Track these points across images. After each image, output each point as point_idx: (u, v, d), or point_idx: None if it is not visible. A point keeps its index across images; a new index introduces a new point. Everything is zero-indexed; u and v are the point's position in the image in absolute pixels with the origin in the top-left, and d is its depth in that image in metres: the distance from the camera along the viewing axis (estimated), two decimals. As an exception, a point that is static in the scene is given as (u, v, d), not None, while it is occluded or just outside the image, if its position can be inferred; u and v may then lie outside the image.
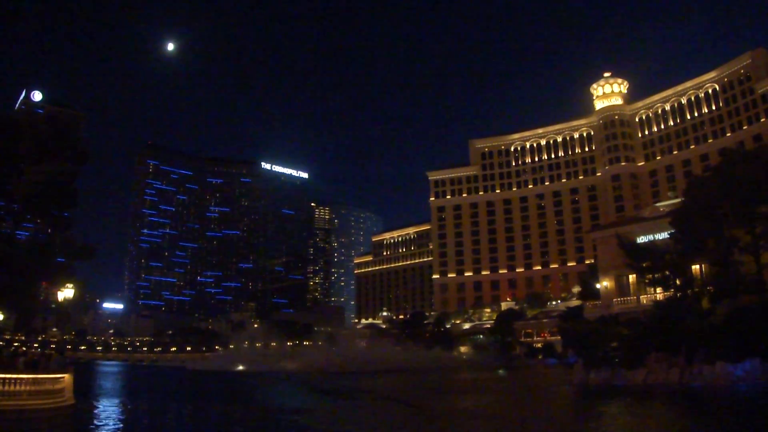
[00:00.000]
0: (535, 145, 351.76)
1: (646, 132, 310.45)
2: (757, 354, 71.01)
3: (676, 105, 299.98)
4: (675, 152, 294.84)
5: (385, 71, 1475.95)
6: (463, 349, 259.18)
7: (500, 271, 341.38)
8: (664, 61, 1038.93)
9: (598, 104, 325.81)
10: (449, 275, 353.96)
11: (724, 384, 71.02)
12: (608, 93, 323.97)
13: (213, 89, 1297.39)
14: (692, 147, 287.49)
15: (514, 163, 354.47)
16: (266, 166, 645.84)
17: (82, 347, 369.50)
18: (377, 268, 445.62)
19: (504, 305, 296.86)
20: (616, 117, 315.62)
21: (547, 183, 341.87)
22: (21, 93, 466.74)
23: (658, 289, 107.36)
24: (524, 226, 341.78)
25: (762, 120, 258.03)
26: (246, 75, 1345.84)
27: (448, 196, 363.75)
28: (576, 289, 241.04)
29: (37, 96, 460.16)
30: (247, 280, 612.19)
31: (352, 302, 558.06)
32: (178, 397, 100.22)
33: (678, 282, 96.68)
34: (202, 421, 67.66)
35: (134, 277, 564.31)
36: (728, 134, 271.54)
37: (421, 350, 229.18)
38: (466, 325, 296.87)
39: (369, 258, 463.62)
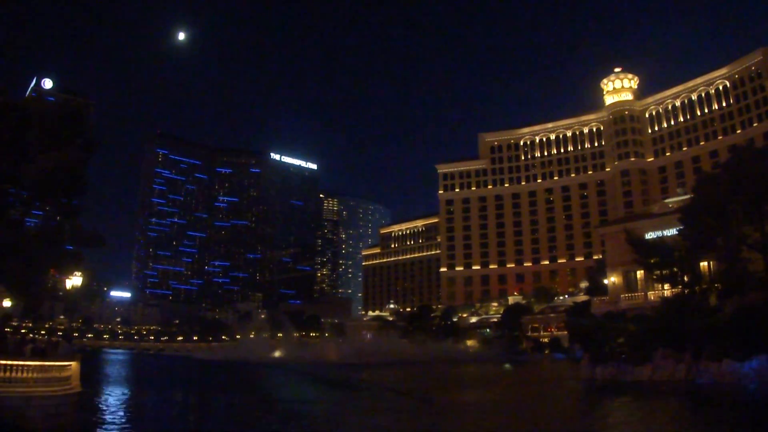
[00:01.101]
0: (544, 139, 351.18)
1: (656, 128, 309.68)
2: (764, 351, 70.80)
3: (686, 101, 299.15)
4: (684, 149, 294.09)
5: (397, 63, 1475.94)
6: (469, 342, 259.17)
7: (508, 265, 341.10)
8: (675, 57, 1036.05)
9: (608, 99, 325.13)
10: (457, 268, 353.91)
11: (731, 381, 70.92)
12: (618, 88, 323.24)
13: (223, 79, 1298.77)
14: (702, 143, 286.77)
15: (523, 157, 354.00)
16: (275, 156, 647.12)
17: (89, 335, 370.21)
18: (385, 260, 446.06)
19: (511, 299, 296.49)
20: (626, 112, 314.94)
21: (556, 177, 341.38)
22: (32, 80, 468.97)
23: (666, 286, 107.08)
24: (532, 220, 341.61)
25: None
26: (256, 65, 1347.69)
27: (457, 190, 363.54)
28: (583, 284, 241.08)
29: (47, 84, 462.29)
30: (254, 270, 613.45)
31: (360, 294, 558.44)
32: (184, 386, 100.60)
33: (686, 278, 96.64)
34: (206, 409, 67.91)
35: (142, 265, 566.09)
36: (738, 131, 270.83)
37: (428, 343, 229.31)
38: (473, 319, 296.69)
39: (377, 250, 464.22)
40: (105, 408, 60.62)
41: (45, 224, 72.73)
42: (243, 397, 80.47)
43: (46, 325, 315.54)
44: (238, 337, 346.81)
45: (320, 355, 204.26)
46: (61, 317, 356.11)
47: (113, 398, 71.19)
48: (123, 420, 54.70)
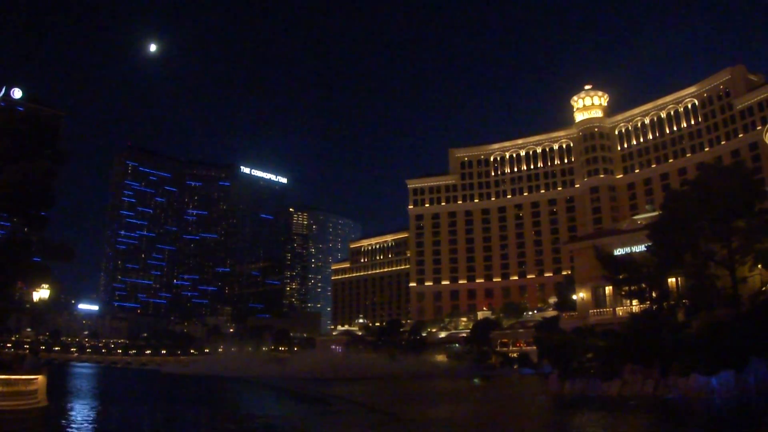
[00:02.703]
0: (514, 155, 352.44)
1: (625, 145, 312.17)
2: (731, 367, 71.45)
3: (655, 119, 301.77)
4: (653, 166, 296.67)
5: (366, 79, 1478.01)
6: (439, 357, 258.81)
7: (477, 281, 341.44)
8: (644, 75, 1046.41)
9: (578, 116, 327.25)
10: (426, 283, 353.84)
11: (699, 396, 71.34)
12: (588, 105, 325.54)
13: (194, 92, 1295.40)
14: (670, 161, 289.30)
15: (493, 173, 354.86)
16: (245, 170, 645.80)
17: (56, 348, 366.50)
18: (354, 274, 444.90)
19: (480, 314, 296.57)
20: (596, 129, 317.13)
21: (525, 193, 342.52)
22: (0, 90, 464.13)
23: (635, 302, 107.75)
24: (502, 236, 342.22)
25: (740, 135, 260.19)
26: (228, 79, 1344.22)
27: (427, 205, 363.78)
28: (552, 300, 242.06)
29: (17, 93, 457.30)
30: (223, 284, 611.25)
31: (329, 309, 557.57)
32: (151, 401, 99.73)
33: (654, 294, 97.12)
34: (173, 425, 67.27)
35: (110, 278, 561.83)
36: (706, 149, 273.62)
37: (397, 358, 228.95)
38: (443, 334, 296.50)
39: (346, 264, 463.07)
40: (71, 422, 59.92)
41: (12, 236, 71.98)
42: (212, 412, 79.85)
43: (13, 338, 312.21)
44: (206, 351, 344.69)
45: (290, 369, 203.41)
46: (28, 330, 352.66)
47: (80, 412, 70.41)
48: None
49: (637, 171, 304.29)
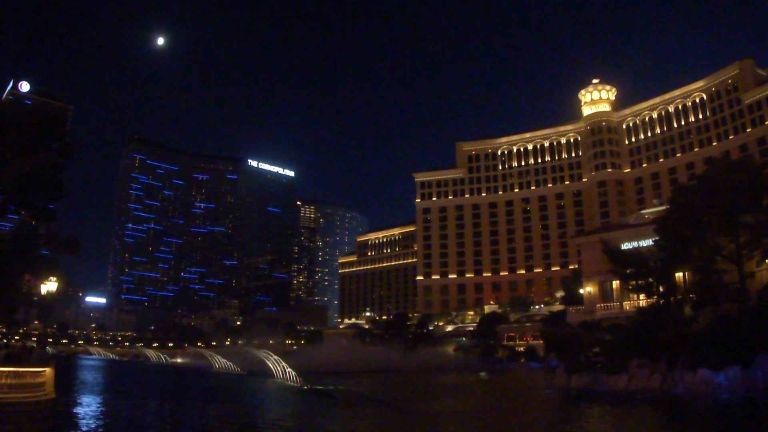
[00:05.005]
0: (522, 149, 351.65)
1: (633, 139, 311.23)
2: (738, 362, 71.23)
3: (663, 113, 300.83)
4: (661, 160, 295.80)
5: (375, 73, 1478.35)
6: (446, 350, 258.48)
7: (484, 274, 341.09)
8: (652, 69, 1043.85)
9: (586, 110, 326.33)
10: (433, 277, 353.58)
11: (705, 391, 71.19)
12: (596, 99, 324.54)
13: (202, 85, 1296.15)
14: (678, 155, 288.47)
15: (500, 167, 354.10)
16: (253, 163, 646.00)
17: (64, 341, 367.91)
18: (361, 268, 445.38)
19: (487, 308, 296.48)
20: (604, 123, 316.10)
21: (533, 187, 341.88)
22: (8, 83, 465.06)
23: (642, 296, 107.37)
24: (509, 229, 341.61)
25: (748, 130, 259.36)
26: (236, 72, 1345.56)
27: (434, 198, 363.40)
28: (559, 294, 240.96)
29: (24, 87, 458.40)
30: (230, 277, 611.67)
31: (336, 302, 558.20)
32: (159, 394, 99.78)
33: (661, 289, 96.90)
34: (181, 418, 67.30)
35: (118, 271, 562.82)
36: (714, 143, 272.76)
37: (406, 351, 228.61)
38: (449, 327, 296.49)
39: (353, 258, 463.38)
40: (78, 414, 60.07)
41: (20, 229, 72.11)
42: (220, 406, 79.82)
43: (21, 331, 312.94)
44: (213, 344, 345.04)
45: (299, 362, 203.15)
46: (36, 323, 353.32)
47: (87, 405, 70.55)
48: (96, 427, 54.20)
49: (644, 165, 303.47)
